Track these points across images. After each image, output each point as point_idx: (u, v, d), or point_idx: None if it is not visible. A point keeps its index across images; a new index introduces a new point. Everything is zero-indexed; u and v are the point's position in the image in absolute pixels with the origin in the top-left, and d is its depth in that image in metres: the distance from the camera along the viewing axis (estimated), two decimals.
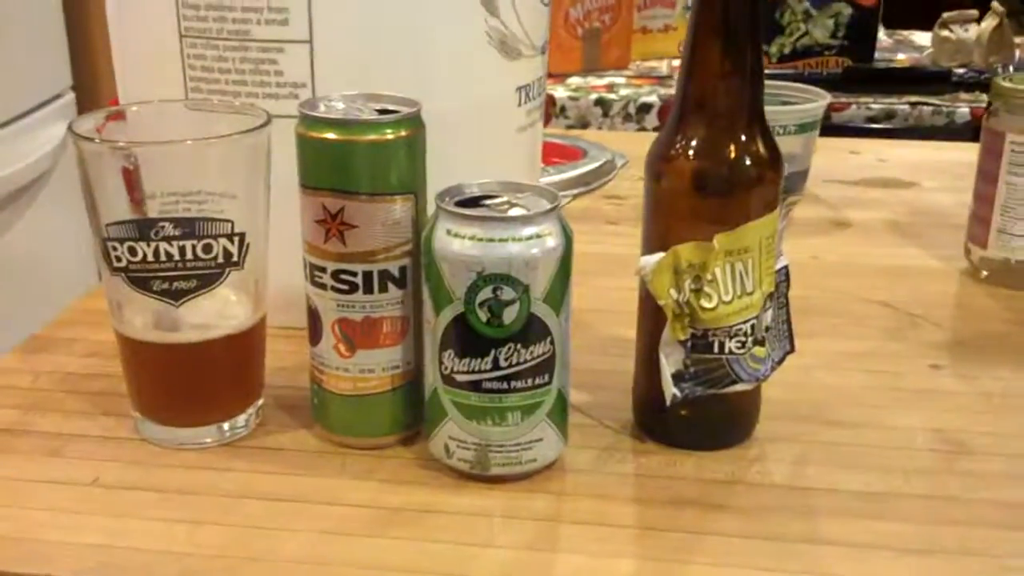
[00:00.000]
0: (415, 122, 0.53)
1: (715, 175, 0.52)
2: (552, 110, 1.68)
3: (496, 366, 0.50)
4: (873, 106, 1.60)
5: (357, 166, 0.51)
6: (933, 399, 0.61)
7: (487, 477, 0.52)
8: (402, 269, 0.53)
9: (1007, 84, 0.73)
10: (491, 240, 0.49)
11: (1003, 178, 0.73)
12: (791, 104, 0.94)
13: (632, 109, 1.63)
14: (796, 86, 0.97)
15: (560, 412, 0.53)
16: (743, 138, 0.52)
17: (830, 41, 1.78)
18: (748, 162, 0.52)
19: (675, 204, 0.53)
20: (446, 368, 0.51)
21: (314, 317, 0.54)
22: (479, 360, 0.50)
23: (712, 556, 0.47)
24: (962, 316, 0.73)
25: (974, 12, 1.83)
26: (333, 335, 0.53)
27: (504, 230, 0.49)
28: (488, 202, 0.52)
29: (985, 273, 0.77)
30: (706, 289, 0.51)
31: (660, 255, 0.51)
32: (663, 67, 1.79)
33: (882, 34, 2.06)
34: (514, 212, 0.50)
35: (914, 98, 1.61)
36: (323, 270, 0.52)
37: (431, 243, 0.50)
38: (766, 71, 1.66)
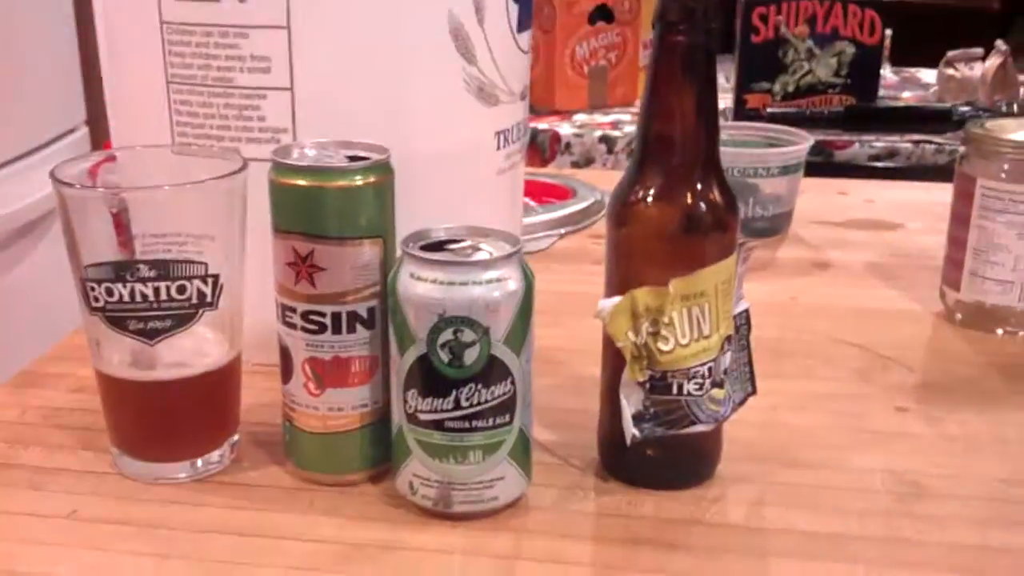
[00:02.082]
0: (384, 168, 0.55)
1: (670, 221, 0.54)
2: (557, 147, 1.70)
3: (458, 406, 0.51)
4: (876, 144, 1.61)
5: (326, 211, 0.53)
6: (895, 441, 0.62)
7: (450, 514, 0.53)
8: (370, 310, 0.54)
9: (978, 130, 0.75)
10: (452, 283, 0.50)
11: (975, 222, 0.74)
12: (776, 146, 0.96)
13: None
14: (781, 128, 0.99)
15: (522, 451, 0.54)
16: (698, 185, 0.53)
17: (833, 79, 1.79)
18: (703, 209, 0.53)
19: (634, 249, 0.55)
20: (410, 407, 0.52)
21: (285, 356, 0.56)
22: (441, 400, 0.51)
23: None
24: (933, 359, 0.74)
25: (979, 51, 1.84)
26: (303, 374, 0.55)
27: (465, 274, 0.51)
28: (452, 246, 0.53)
29: (959, 316, 0.78)
30: (663, 332, 0.53)
31: (618, 299, 0.53)
32: None
33: (889, 72, 2.07)
34: (476, 256, 0.52)
35: (916, 136, 1.62)
36: (293, 311, 0.54)
37: (395, 286, 0.52)
38: (769, 110, 1.66)
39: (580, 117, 1.77)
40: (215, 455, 0.58)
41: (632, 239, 0.55)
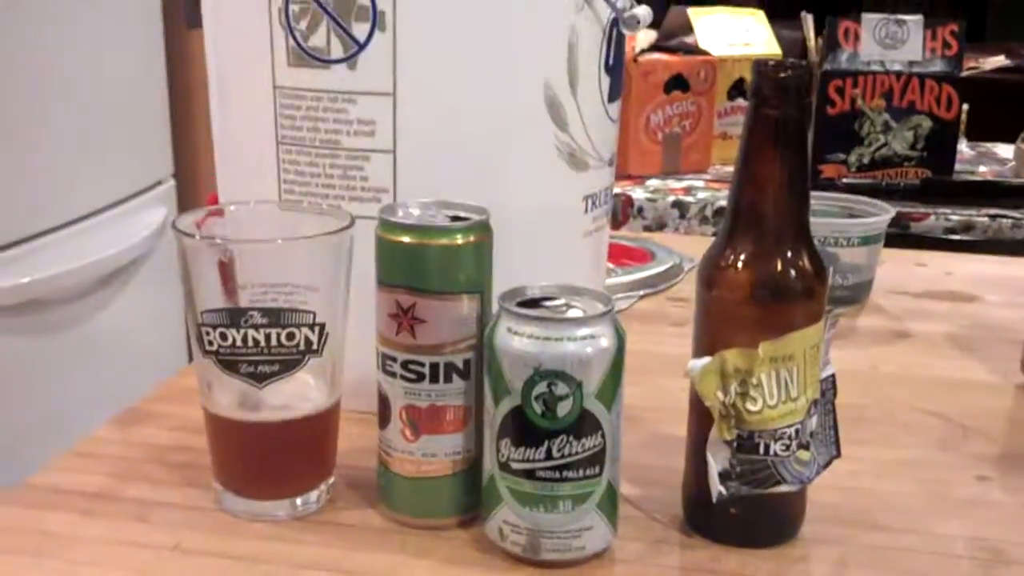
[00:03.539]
0: (483, 228, 0.57)
1: (762, 287, 0.55)
2: (629, 211, 1.73)
3: (549, 456, 0.53)
4: (952, 217, 1.61)
5: (429, 267, 0.56)
6: (977, 509, 0.62)
7: (538, 562, 0.55)
8: (466, 362, 0.57)
9: None
10: (548, 339, 0.53)
11: None
12: (857, 217, 0.97)
13: (709, 212, 1.67)
14: (862, 199, 1.00)
15: (610, 503, 0.56)
16: (789, 253, 0.55)
17: (909, 152, 1.80)
18: (793, 275, 0.55)
19: (724, 311, 0.57)
20: (503, 456, 0.54)
21: (383, 402, 0.58)
22: (533, 450, 0.53)
23: None
24: (1014, 430, 0.74)
25: None
26: (400, 420, 0.57)
27: (561, 330, 0.53)
28: (547, 303, 0.56)
29: None
30: (751, 393, 0.54)
31: (708, 359, 0.55)
32: None
33: (965, 146, 2.07)
34: (571, 314, 0.54)
35: (993, 211, 1.62)
36: (394, 360, 0.57)
37: (493, 339, 0.54)
38: (844, 180, 1.67)
39: (653, 182, 1.79)
40: (313, 495, 0.60)
41: (722, 302, 0.57)
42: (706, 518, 0.58)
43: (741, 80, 1.85)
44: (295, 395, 0.59)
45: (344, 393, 0.62)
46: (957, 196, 1.67)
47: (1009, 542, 0.58)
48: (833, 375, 0.58)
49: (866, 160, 1.79)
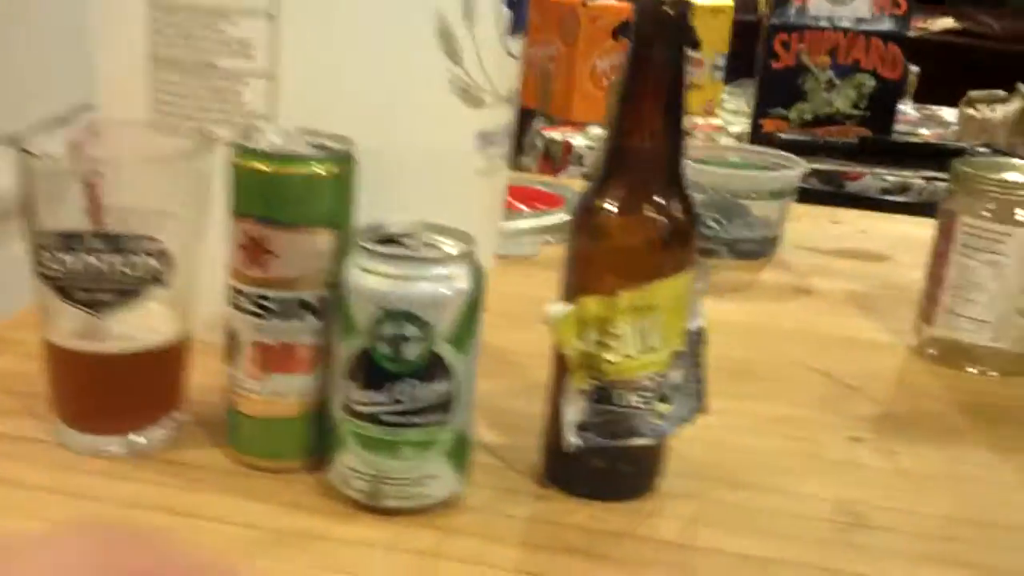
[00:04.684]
0: (345, 159, 0.54)
1: (627, 233, 0.53)
2: (568, 158, 1.70)
3: (394, 400, 0.51)
4: (888, 178, 1.60)
5: (281, 197, 0.53)
6: (846, 471, 0.61)
7: (381, 508, 0.53)
8: (320, 299, 0.54)
9: (965, 169, 0.74)
10: (398, 278, 0.50)
11: (954, 259, 0.73)
12: (770, 170, 0.95)
13: None
14: (778, 153, 0.98)
15: (458, 451, 0.53)
16: (657, 199, 0.53)
17: (852, 111, 1.78)
18: (661, 223, 0.53)
19: (588, 257, 0.54)
20: (348, 398, 0.52)
21: (232, 338, 0.55)
22: (378, 393, 0.51)
23: None
24: (899, 392, 0.73)
25: (1002, 92, 1.83)
26: (248, 358, 0.55)
27: (412, 269, 0.50)
28: (405, 240, 0.53)
29: (932, 351, 0.77)
30: (610, 343, 0.52)
31: (567, 305, 0.52)
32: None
33: (911, 108, 2.05)
34: (424, 252, 0.52)
35: (929, 172, 1.61)
36: (242, 294, 0.54)
37: (343, 276, 0.51)
38: (782, 136, 1.64)
39: (595, 130, 1.77)
40: (154, 432, 0.58)
41: (587, 248, 0.54)
42: (562, 469, 0.56)
43: None
44: (140, 326, 0.56)
45: (207, 326, 0.59)
46: (892, 156, 1.66)
47: (871, 505, 0.57)
48: (701, 327, 0.56)
49: (808, 116, 1.77)
